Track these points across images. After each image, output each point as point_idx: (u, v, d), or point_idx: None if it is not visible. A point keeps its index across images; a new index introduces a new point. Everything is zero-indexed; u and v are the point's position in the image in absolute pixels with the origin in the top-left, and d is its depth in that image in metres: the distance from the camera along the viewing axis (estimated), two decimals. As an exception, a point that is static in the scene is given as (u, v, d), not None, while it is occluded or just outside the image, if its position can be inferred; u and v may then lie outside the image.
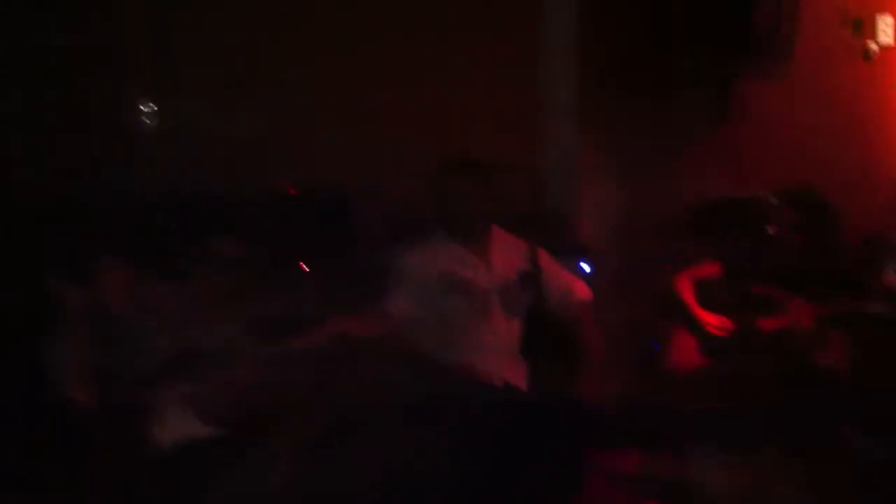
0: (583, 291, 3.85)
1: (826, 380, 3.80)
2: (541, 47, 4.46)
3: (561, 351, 3.75)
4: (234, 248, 3.29)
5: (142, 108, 3.71)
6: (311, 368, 3.16)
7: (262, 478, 2.99)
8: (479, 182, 3.57)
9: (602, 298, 3.94)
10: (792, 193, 4.37)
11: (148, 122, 3.84)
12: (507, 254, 3.70)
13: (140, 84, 3.89)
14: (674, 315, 4.17)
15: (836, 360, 3.83)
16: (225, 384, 3.06)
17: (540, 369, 3.71)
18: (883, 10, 5.35)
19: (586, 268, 4.18)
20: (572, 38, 4.46)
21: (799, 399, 3.72)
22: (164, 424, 2.96)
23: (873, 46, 5.34)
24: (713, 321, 4.12)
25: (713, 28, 4.57)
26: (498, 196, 3.61)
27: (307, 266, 3.65)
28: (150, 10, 3.86)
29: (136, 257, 3.00)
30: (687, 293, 4.17)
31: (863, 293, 4.10)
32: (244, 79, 4.02)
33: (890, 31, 5.37)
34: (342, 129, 4.07)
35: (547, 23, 4.48)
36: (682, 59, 4.59)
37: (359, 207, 3.98)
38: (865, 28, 5.34)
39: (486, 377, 3.45)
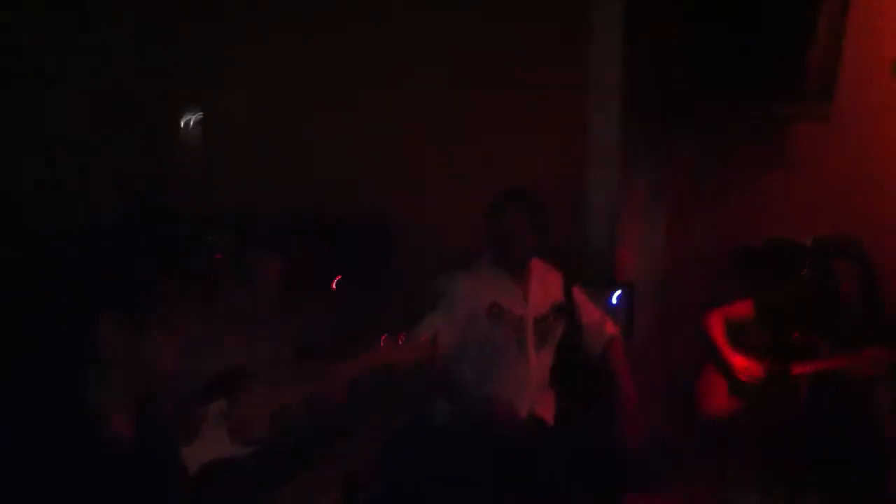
0: (611, 327, 3.83)
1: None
2: (588, 87, 4.44)
3: (589, 384, 3.75)
4: (276, 265, 3.26)
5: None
6: (349, 392, 3.13)
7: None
8: (528, 213, 3.56)
9: (637, 333, 3.90)
10: (828, 240, 4.31)
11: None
12: (544, 285, 3.69)
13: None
14: (705, 354, 4.15)
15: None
16: (261, 404, 3.04)
17: (567, 401, 3.70)
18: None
19: (615, 302, 4.17)
20: (618, 79, 4.42)
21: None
22: (197, 445, 2.95)
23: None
24: (741, 364, 4.10)
25: (764, 69, 4.51)
26: (542, 228, 3.59)
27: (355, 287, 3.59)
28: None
29: (181, 275, 2.96)
30: (718, 332, 4.15)
31: None
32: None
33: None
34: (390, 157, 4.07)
35: (594, 63, 4.46)
36: (730, 99, 4.54)
37: (403, 233, 3.96)
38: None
39: (516, 409, 3.47)
